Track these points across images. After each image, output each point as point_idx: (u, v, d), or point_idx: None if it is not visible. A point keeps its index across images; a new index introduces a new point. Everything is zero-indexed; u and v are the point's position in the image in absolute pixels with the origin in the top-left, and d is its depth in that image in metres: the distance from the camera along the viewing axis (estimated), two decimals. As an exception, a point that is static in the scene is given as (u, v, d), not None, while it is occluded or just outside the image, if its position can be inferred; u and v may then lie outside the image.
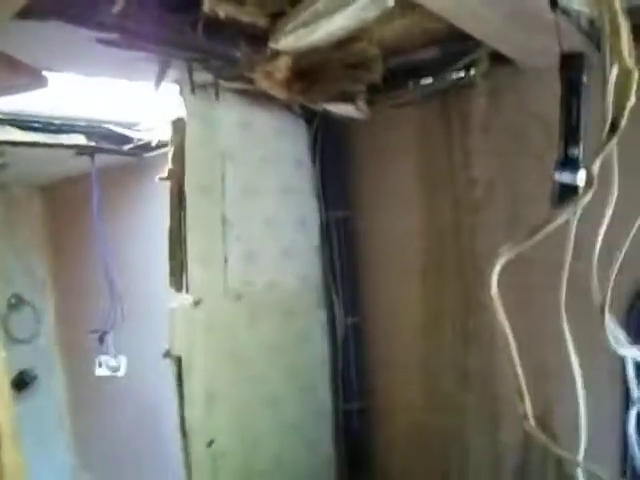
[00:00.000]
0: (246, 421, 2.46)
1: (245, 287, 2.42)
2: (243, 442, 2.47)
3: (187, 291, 2.23)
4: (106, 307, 3.32)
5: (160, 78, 2.08)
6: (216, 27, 1.90)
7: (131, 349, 3.37)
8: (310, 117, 2.70)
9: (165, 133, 3.13)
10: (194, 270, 2.23)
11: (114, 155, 3.28)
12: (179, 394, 2.24)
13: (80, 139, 3.10)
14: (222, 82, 2.32)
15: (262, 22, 1.96)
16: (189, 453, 2.28)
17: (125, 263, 3.38)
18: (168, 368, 3.28)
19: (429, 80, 2.46)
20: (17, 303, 4.19)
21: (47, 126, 2.91)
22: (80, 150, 3.18)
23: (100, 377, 3.42)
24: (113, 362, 3.35)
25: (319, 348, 2.76)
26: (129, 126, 3.24)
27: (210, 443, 2.35)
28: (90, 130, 3.10)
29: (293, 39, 1.99)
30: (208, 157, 2.29)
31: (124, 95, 2.80)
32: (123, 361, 3.34)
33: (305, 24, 1.90)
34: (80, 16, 1.65)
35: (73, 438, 4.42)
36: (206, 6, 1.78)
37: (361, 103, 2.48)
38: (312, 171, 2.72)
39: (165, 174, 2.23)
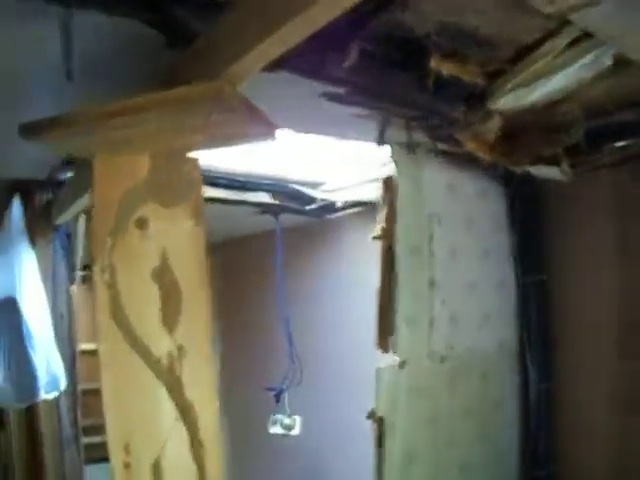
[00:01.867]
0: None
1: (448, 350, 2.39)
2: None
3: (394, 352, 2.23)
4: (284, 366, 3.37)
5: (381, 136, 2.13)
6: (438, 85, 1.89)
7: (305, 409, 3.38)
8: (507, 179, 2.68)
9: (352, 194, 3.24)
10: (402, 331, 2.23)
11: (296, 215, 3.41)
12: (378, 456, 2.20)
13: (265, 197, 3.21)
14: (431, 142, 2.35)
15: (481, 81, 1.96)
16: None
17: (304, 324, 3.45)
18: (338, 430, 3.31)
19: (627, 142, 2.39)
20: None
21: (232, 182, 2.96)
22: (265, 208, 3.31)
23: (269, 434, 3.42)
24: (288, 421, 3.37)
25: (510, 413, 2.66)
26: (313, 186, 3.35)
27: (404, 506, 2.30)
28: (275, 189, 3.19)
29: (512, 99, 1.98)
30: (417, 217, 2.31)
31: (310, 154, 2.89)
32: (298, 421, 3.35)
33: (525, 84, 1.90)
34: (311, 69, 1.67)
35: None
36: (433, 63, 1.79)
37: (565, 165, 2.44)
38: (510, 234, 2.68)
39: (377, 233, 2.27)
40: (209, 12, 1.34)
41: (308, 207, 3.37)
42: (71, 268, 2.76)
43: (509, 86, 1.93)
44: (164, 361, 1.55)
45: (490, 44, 1.77)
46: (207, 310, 1.64)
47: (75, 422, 2.81)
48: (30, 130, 1.41)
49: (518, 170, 2.46)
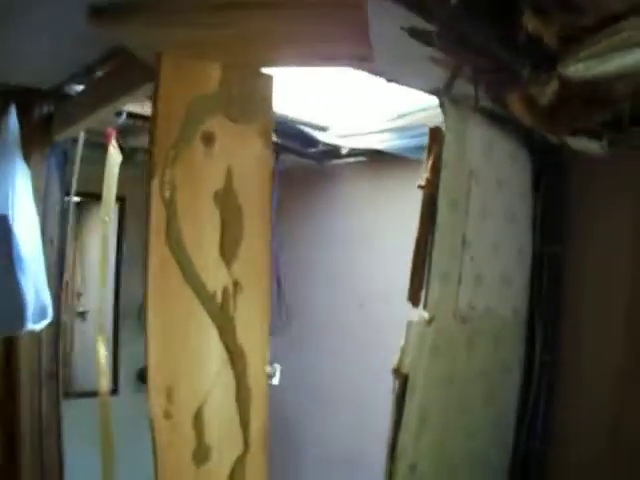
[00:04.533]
0: (446, 450, 2.28)
1: (469, 310, 2.25)
2: (439, 471, 2.29)
3: (424, 307, 2.08)
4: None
5: (449, 85, 1.96)
6: (518, 41, 1.77)
7: (289, 360, 3.20)
8: (536, 146, 2.54)
9: (358, 142, 3.04)
10: (434, 286, 2.07)
11: (297, 157, 3.19)
12: (397, 415, 2.06)
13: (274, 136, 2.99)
14: (476, 98, 2.18)
15: (556, 44, 1.82)
16: (393, 476, 2.12)
17: (296, 272, 3.26)
18: (322, 383, 3.16)
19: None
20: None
21: None
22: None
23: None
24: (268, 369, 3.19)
25: (514, 381, 2.58)
26: (318, 129, 3.14)
27: (413, 468, 2.19)
28: (278, 126, 2.97)
29: (583, 68, 1.84)
30: (458, 172, 2.14)
31: (318, 95, 2.69)
32: (277, 369, 3.17)
33: (600, 54, 1.76)
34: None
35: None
36: (526, 18, 1.65)
37: (605, 141, 2.32)
38: (533, 201, 2.56)
39: (423, 182, 2.09)
40: None
41: (311, 150, 3.16)
42: (64, 192, 2.46)
43: (584, 54, 1.77)
44: (218, 297, 1.35)
45: (577, 8, 1.63)
46: (268, 243, 1.43)
47: (56, 356, 2.55)
48: (100, 13, 1.15)
49: (555, 139, 2.32)
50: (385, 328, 3.05)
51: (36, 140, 2.34)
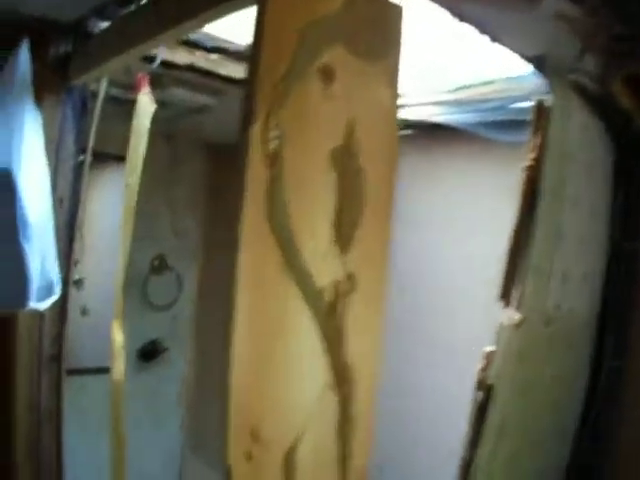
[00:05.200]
0: (519, 465, 1.96)
1: (555, 311, 1.91)
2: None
3: (517, 307, 1.73)
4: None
5: (581, 54, 1.59)
6: None
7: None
8: (622, 134, 2.19)
9: (409, 113, 2.66)
10: (527, 284, 1.73)
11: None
12: (475, 430, 1.73)
13: None
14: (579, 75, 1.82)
15: None
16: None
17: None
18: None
19: None
20: (160, 266, 3.70)
21: None
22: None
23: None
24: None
25: (580, 390, 2.26)
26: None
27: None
28: None
29: None
30: (560, 156, 1.78)
31: None
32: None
33: None
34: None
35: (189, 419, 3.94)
36: None
37: None
38: (616, 193, 2.21)
39: (528, 164, 1.72)
40: None
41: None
42: (80, 146, 2.05)
43: None
44: (327, 296, 0.97)
45: None
46: (390, 225, 1.06)
47: (59, 337, 2.16)
48: None
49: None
50: (426, 315, 2.73)
51: (50, 82, 1.93)
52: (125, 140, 1.86)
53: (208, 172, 3.78)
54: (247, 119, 0.88)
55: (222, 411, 0.91)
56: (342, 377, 1.00)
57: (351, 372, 1.01)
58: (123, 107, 2.11)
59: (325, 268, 0.95)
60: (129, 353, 3.56)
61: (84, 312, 3.44)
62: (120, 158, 3.29)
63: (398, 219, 2.79)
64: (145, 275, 3.62)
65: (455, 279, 2.68)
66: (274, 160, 0.88)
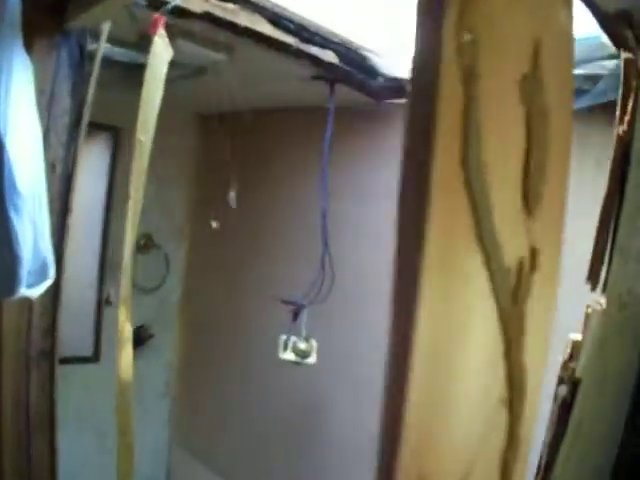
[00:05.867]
0: (590, 466, 1.74)
1: (628, 295, 1.68)
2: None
3: (603, 290, 1.48)
4: (309, 277, 2.48)
5: None
6: None
7: (323, 334, 2.55)
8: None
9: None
10: (616, 264, 1.48)
11: (354, 89, 2.50)
12: (557, 431, 1.48)
13: (331, 57, 2.32)
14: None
15: None
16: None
17: (339, 226, 2.59)
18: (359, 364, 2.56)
19: None
20: (145, 245, 3.34)
21: (300, 30, 2.15)
22: (322, 72, 2.39)
23: (278, 361, 2.54)
24: (303, 346, 2.51)
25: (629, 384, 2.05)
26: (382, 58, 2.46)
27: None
28: (340, 49, 2.33)
29: None
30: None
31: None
32: (315, 346, 2.51)
33: None
34: None
35: (177, 410, 3.62)
36: None
37: None
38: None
39: (622, 130, 1.46)
40: None
41: (371, 83, 2.49)
42: (77, 98, 1.69)
43: None
44: (512, 277, 0.68)
45: None
46: (568, 186, 0.77)
47: (52, 329, 1.81)
48: None
49: None
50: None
51: (43, 24, 1.56)
52: (113, 109, 1.56)
53: (198, 146, 3.43)
54: (435, 13, 0.57)
55: (384, 452, 0.61)
56: (516, 388, 0.72)
57: (525, 381, 0.73)
58: (115, 70, 1.78)
59: (512, 238, 0.67)
60: (112, 340, 3.23)
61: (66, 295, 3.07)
62: (99, 126, 2.94)
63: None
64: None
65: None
66: (469, 76, 0.58)
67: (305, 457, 2.84)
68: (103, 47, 1.62)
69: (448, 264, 0.59)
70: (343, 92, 2.48)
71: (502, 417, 0.72)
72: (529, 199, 0.68)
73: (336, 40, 2.31)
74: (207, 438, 3.41)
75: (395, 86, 2.48)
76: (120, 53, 2.10)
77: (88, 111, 1.67)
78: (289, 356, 2.50)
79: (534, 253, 0.70)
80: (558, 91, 0.72)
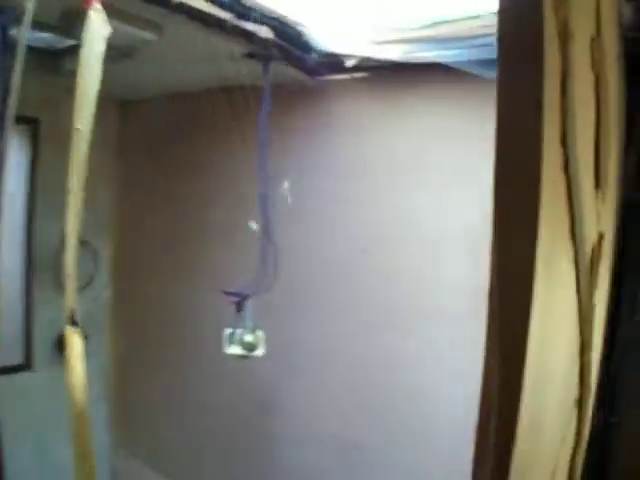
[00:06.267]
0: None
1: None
2: None
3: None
4: (251, 266, 2.35)
5: None
6: None
7: (270, 325, 2.42)
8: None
9: (367, 51, 2.29)
10: None
11: (290, 65, 2.38)
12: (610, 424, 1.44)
13: (268, 33, 2.19)
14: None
15: None
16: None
17: (284, 208, 2.46)
18: (311, 356, 2.50)
19: None
20: (70, 242, 3.07)
21: (235, 5, 2.04)
22: (257, 49, 2.25)
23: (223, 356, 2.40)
24: (249, 338, 2.37)
25: None
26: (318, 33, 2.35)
27: None
28: (274, 24, 2.21)
29: None
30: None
31: None
32: (261, 338, 2.38)
33: None
34: None
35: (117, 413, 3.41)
36: None
37: None
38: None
39: None
40: None
41: (306, 59, 2.38)
42: (1, 90, 1.48)
43: None
44: (588, 269, 0.61)
45: None
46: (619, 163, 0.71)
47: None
48: None
49: None
50: (392, 277, 2.42)
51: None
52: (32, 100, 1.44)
53: (118, 133, 3.19)
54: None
55: (498, 446, 0.54)
56: (585, 388, 0.66)
57: (591, 381, 0.67)
58: (31, 57, 1.57)
59: (591, 225, 0.59)
60: (46, 345, 2.98)
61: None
62: (17, 119, 2.66)
63: (355, 172, 2.48)
64: (55, 252, 2.99)
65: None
66: (563, 35, 0.50)
67: (255, 452, 2.76)
68: (28, 26, 1.40)
69: (551, 264, 0.51)
70: (276, 70, 2.36)
71: (574, 416, 0.67)
72: (600, 178, 0.61)
73: (271, 15, 2.18)
74: (150, 439, 3.24)
75: (330, 62, 2.39)
76: (36, 38, 1.88)
77: (15, 102, 1.46)
78: (235, 350, 2.36)
79: (601, 238, 0.63)
80: (612, 62, 0.65)
